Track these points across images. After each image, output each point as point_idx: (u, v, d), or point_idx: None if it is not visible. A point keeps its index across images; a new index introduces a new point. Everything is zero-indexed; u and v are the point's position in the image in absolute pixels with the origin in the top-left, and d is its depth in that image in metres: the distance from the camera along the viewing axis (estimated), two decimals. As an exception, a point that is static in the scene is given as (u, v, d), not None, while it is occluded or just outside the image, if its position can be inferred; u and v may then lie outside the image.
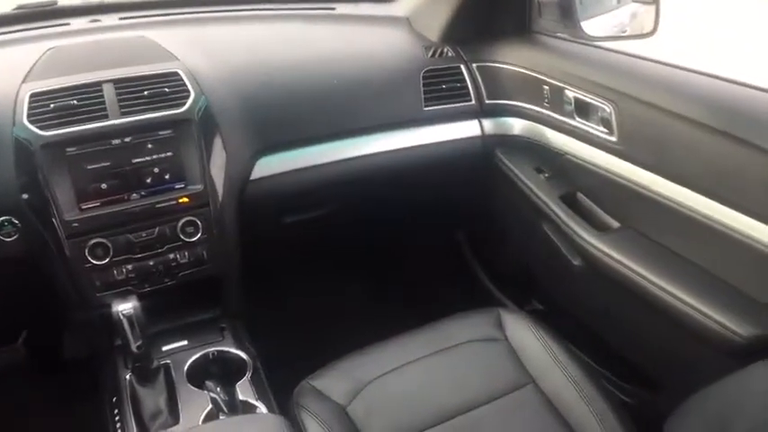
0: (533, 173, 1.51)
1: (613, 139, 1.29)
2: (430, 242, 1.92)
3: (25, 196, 1.16)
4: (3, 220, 1.14)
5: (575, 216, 1.39)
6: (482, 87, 1.56)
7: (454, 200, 1.70)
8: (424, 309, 1.41)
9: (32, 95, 1.18)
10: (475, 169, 1.59)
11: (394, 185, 1.55)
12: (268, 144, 1.38)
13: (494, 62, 1.56)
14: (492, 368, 1.19)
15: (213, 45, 1.44)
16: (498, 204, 1.66)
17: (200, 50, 1.38)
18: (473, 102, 1.56)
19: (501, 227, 1.75)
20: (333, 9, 1.76)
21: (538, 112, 1.49)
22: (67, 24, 1.52)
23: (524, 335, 1.24)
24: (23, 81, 1.22)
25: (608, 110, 1.29)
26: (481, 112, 1.57)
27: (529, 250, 1.64)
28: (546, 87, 1.45)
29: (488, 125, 1.58)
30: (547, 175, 1.50)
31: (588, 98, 1.34)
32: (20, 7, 1.56)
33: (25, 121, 1.15)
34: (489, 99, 1.57)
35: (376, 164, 1.48)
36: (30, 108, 1.16)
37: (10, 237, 1.15)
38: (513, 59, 1.52)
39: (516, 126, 1.56)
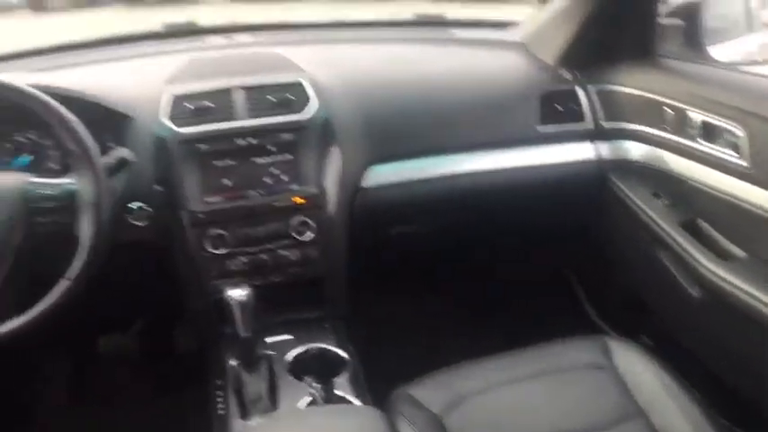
0: (651, 198, 1.45)
1: (744, 163, 1.21)
2: (533, 264, 1.87)
3: (158, 186, 1.27)
4: (137, 207, 1.25)
5: (696, 243, 1.31)
6: (598, 110, 1.54)
7: (562, 223, 1.66)
8: (524, 331, 1.37)
9: (173, 97, 1.30)
10: (586, 193, 1.55)
11: (502, 204, 1.54)
12: (382, 154, 1.42)
13: (612, 85, 1.53)
14: (597, 397, 1.13)
15: (336, 61, 1.53)
16: (609, 230, 1.60)
17: (324, 65, 1.47)
18: (589, 124, 1.53)
19: (611, 253, 1.68)
20: (451, 34, 1.81)
21: (658, 135, 1.44)
22: (205, 41, 1.68)
23: (634, 365, 1.17)
24: (166, 84, 1.34)
25: (738, 133, 1.22)
26: (597, 134, 1.54)
27: (641, 279, 1.56)
28: (668, 110, 1.39)
29: (604, 149, 1.54)
30: (665, 200, 1.43)
31: (715, 121, 1.27)
32: (167, 26, 1.75)
33: (165, 119, 1.27)
34: (606, 122, 1.53)
35: (486, 181, 1.49)
36: (170, 107, 1.28)
37: (141, 221, 1.25)
38: (632, 82, 1.49)
39: (634, 150, 1.50)
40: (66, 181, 1.11)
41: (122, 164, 1.18)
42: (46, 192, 1.09)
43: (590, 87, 1.56)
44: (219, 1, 10.91)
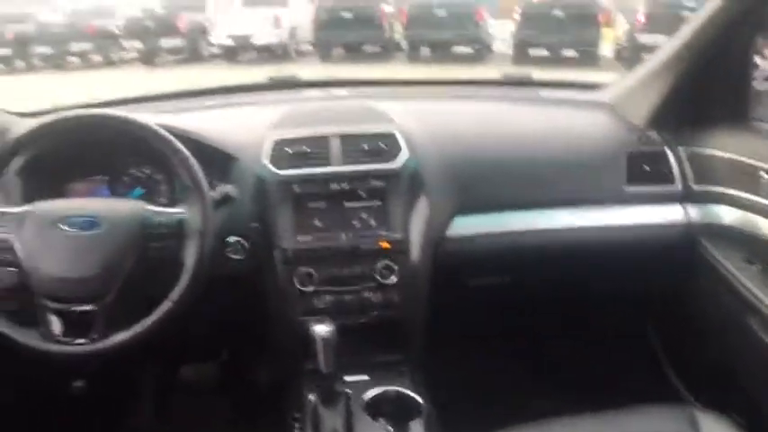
0: (744, 264, 1.39)
1: None
2: (613, 325, 1.82)
3: (255, 224, 1.35)
4: (234, 241, 1.33)
5: None
6: (688, 172, 1.51)
7: (648, 284, 1.62)
8: (598, 394, 1.33)
9: (274, 141, 1.40)
10: (675, 256, 1.51)
11: (587, 263, 1.53)
12: (468, 205, 1.46)
13: (703, 147, 1.51)
14: None
15: (427, 115, 1.60)
16: (698, 294, 1.54)
17: (415, 118, 1.54)
18: (678, 186, 1.51)
19: (699, 318, 1.61)
20: (538, 93, 1.86)
21: (752, 200, 1.40)
22: (305, 93, 1.81)
23: None
24: (269, 130, 1.45)
25: None
26: (686, 197, 1.51)
27: (731, 347, 1.48)
28: (764, 175, 1.36)
29: (694, 212, 1.51)
30: (759, 267, 1.38)
31: None
32: (270, 78, 1.90)
33: (266, 162, 1.36)
34: (696, 185, 1.51)
35: (571, 238, 1.49)
36: (271, 151, 1.38)
37: (236, 255, 1.34)
38: (725, 146, 1.46)
39: (726, 214, 1.46)
40: (177, 211, 1.21)
41: (226, 199, 1.28)
42: (160, 220, 1.19)
43: (680, 149, 1.54)
44: (313, 61, 11.54)
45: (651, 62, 1.60)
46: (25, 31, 12.84)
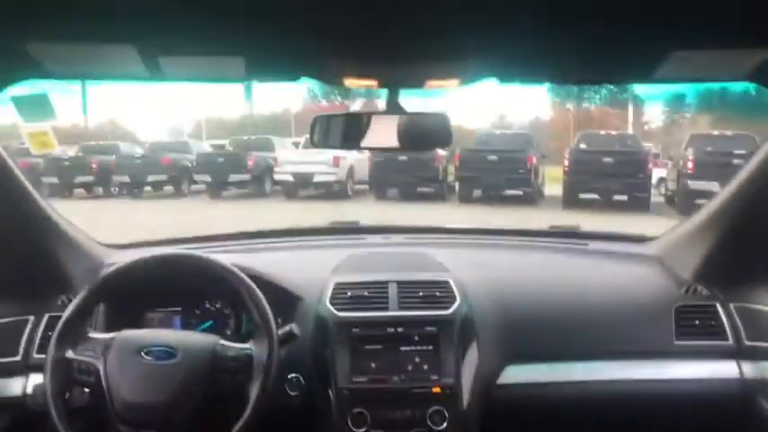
0: None
1: None
2: None
3: (314, 362, 1.43)
4: (293, 377, 1.41)
5: None
6: (740, 328, 1.53)
7: None
8: None
9: (336, 284, 1.51)
10: (728, 413, 1.49)
11: (634, 417, 1.52)
12: (519, 355, 1.51)
13: (755, 304, 1.53)
14: None
15: (479, 265, 1.70)
16: None
17: (467, 267, 1.64)
18: (730, 342, 1.52)
19: None
20: (586, 245, 1.94)
21: None
22: (365, 239, 1.94)
23: None
24: (331, 273, 1.57)
25: None
26: (739, 353, 1.51)
27: None
28: None
29: (749, 368, 1.50)
30: None
31: None
32: (333, 223, 2.06)
33: (328, 303, 1.47)
34: (750, 341, 1.51)
35: (619, 391, 1.49)
36: (333, 293, 1.49)
37: (293, 391, 1.40)
38: None
39: None
40: (246, 346, 1.31)
41: (290, 337, 1.37)
42: (230, 354, 1.29)
43: (731, 305, 1.56)
44: (369, 200, 11.99)
45: (699, 215, 1.65)
46: (108, 162, 14.05)
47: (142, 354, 1.26)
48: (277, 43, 0.93)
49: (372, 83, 1.10)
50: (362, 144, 1.30)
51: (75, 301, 1.31)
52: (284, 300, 1.49)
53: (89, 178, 14.16)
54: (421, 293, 1.49)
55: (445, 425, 1.36)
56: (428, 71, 1.07)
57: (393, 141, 1.29)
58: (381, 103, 1.28)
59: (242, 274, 1.35)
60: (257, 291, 1.33)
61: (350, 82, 1.09)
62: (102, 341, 1.29)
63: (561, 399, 1.49)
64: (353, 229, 2.03)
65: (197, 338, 1.34)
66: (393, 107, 1.22)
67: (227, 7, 0.81)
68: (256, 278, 1.40)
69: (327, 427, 1.38)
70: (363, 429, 1.36)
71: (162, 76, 1.03)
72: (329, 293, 1.49)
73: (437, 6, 0.82)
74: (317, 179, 12.49)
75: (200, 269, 1.38)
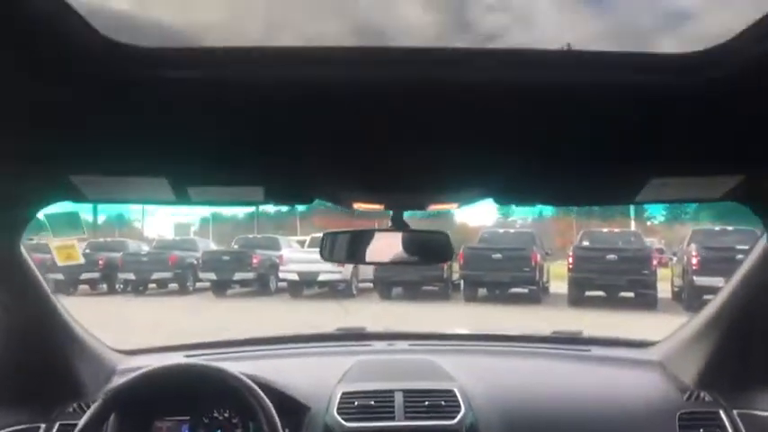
0: None
1: None
2: None
3: None
4: None
5: None
6: None
7: None
8: None
9: (343, 394, 1.55)
10: None
11: None
12: None
13: (759, 410, 1.53)
14: None
15: (483, 372, 1.73)
16: None
17: (471, 375, 1.67)
18: None
19: None
20: (588, 350, 1.97)
21: None
22: (371, 345, 1.98)
23: None
24: (338, 382, 1.61)
25: None
26: None
27: None
28: None
29: None
30: None
31: None
32: (339, 329, 2.11)
33: (335, 413, 1.49)
34: None
35: None
36: (340, 403, 1.52)
37: None
38: None
39: None
40: None
41: None
42: None
43: (734, 412, 1.57)
44: (373, 298, 11.94)
45: (698, 318, 1.68)
46: (115, 259, 14.18)
47: None
48: (292, 174, 1.03)
49: (378, 207, 1.21)
50: (367, 260, 1.39)
51: (90, 412, 1.35)
52: (292, 409, 1.52)
53: (95, 275, 14.25)
54: (427, 403, 1.52)
55: None
56: (429, 197, 1.17)
57: (396, 257, 1.38)
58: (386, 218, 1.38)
59: (251, 384, 1.39)
60: (267, 401, 1.37)
61: (358, 205, 1.19)
62: None
63: None
64: (359, 336, 2.08)
65: None
66: (397, 224, 1.31)
67: (249, 144, 0.91)
68: (265, 387, 1.44)
69: None
70: None
71: (189, 202, 1.13)
72: (336, 403, 1.52)
73: (435, 141, 0.92)
74: (321, 278, 12.55)
75: (210, 379, 1.42)
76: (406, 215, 1.30)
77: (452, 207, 1.21)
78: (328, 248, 1.42)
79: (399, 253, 1.37)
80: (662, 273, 12.31)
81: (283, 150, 0.93)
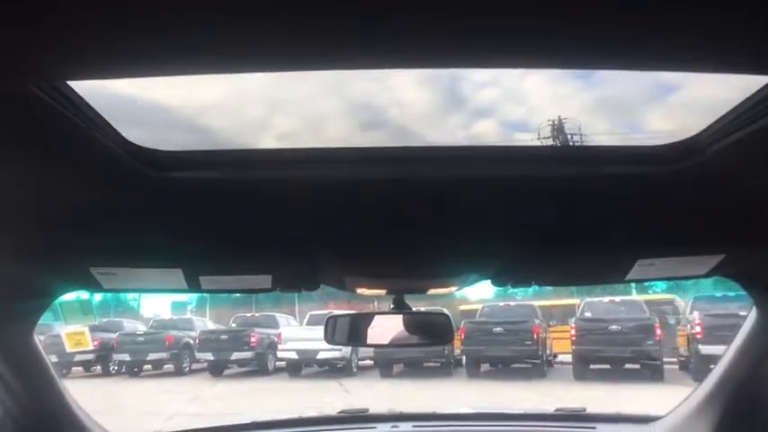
0: None
1: None
2: None
3: None
4: None
5: None
6: None
7: None
8: None
9: None
10: None
11: None
12: None
13: None
14: None
15: None
16: None
17: None
18: None
19: None
20: (593, 428, 1.94)
21: None
22: (375, 428, 1.96)
23: None
24: None
25: None
26: None
27: None
28: None
29: None
30: None
31: None
32: (342, 412, 2.09)
33: None
34: None
35: None
36: None
37: None
38: None
39: None
40: None
41: None
42: None
43: None
44: (374, 375, 11.68)
45: (700, 391, 1.67)
46: (110, 340, 13.94)
47: None
48: (299, 264, 1.08)
49: (381, 291, 1.25)
50: (369, 342, 1.41)
51: None
52: None
53: (89, 356, 13.97)
54: None
55: None
56: (429, 282, 1.21)
57: (397, 339, 1.40)
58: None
59: None
60: None
61: (361, 291, 1.23)
62: None
63: None
64: (363, 418, 2.05)
65: None
66: (399, 305, 1.35)
67: (259, 237, 0.96)
68: None
69: None
70: None
71: (200, 290, 1.17)
72: None
73: (433, 232, 0.97)
74: (321, 356, 12.34)
75: None
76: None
77: (452, 290, 1.25)
78: (331, 332, 1.45)
79: (400, 334, 1.39)
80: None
81: (291, 243, 0.98)
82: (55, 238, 0.96)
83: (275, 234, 0.95)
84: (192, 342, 13.95)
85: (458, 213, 0.89)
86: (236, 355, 13.03)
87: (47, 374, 1.49)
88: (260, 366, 13.19)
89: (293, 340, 12.70)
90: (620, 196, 0.87)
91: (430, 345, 1.36)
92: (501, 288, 1.23)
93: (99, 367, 14.19)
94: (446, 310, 1.46)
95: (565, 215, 0.90)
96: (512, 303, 13.77)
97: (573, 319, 12.15)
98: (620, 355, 11.02)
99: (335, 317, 1.43)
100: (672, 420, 1.81)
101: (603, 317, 11.77)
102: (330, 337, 1.43)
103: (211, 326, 15.91)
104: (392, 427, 1.95)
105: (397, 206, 0.86)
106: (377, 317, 1.39)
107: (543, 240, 0.98)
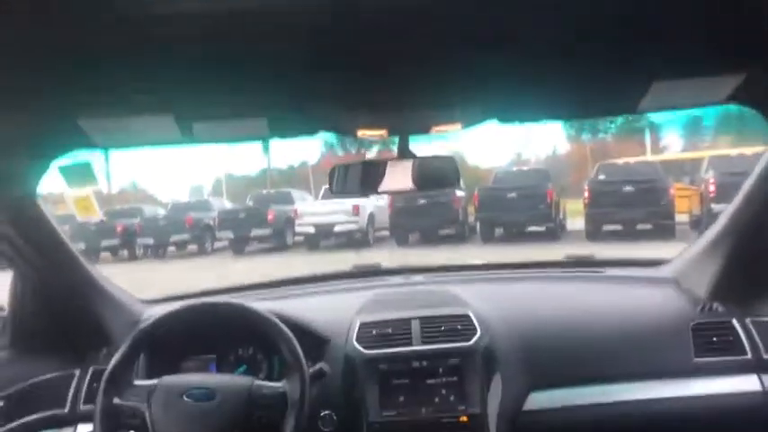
0: None
1: None
2: None
3: (345, 398, 1.49)
4: (325, 414, 1.47)
5: None
6: (759, 342, 1.55)
7: None
8: None
9: (361, 324, 1.58)
10: (752, 427, 1.50)
11: None
12: (542, 381, 1.55)
13: None
14: None
15: (498, 297, 1.75)
16: None
17: (487, 301, 1.70)
18: (749, 356, 1.54)
19: None
20: (601, 272, 1.98)
21: None
22: (387, 280, 2.02)
23: None
24: (356, 314, 1.64)
25: None
26: (760, 366, 1.53)
27: None
28: None
29: None
30: None
31: None
32: (355, 267, 2.14)
33: (354, 342, 1.54)
34: None
35: (642, 410, 1.52)
36: (358, 333, 1.56)
37: (327, 427, 1.46)
38: None
39: None
40: (279, 385, 1.38)
41: (320, 375, 1.44)
42: (265, 392, 1.36)
43: (747, 320, 1.59)
44: (391, 246, 12.00)
45: (709, 233, 1.69)
46: (133, 225, 14.40)
47: (184, 397, 1.33)
48: (295, 103, 1.03)
49: (382, 132, 1.20)
50: (379, 189, 1.39)
51: (120, 352, 1.40)
52: (313, 342, 1.56)
53: (114, 242, 14.49)
54: (443, 327, 1.55)
55: None
56: (431, 117, 1.16)
57: (407, 184, 1.38)
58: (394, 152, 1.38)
59: (273, 318, 1.43)
60: (288, 331, 1.41)
61: (362, 132, 1.19)
62: (146, 387, 1.37)
63: (586, 421, 1.52)
64: (376, 272, 2.11)
65: (234, 380, 1.41)
66: (404, 152, 1.32)
67: (251, 74, 0.92)
68: (286, 322, 1.48)
69: None
70: None
71: (195, 139, 1.15)
72: (355, 333, 1.56)
73: (433, 58, 0.92)
74: (337, 229, 12.64)
75: (233, 315, 1.46)
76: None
77: (456, 127, 1.20)
78: (339, 181, 1.42)
79: (409, 180, 1.37)
80: (679, 203, 12.16)
81: (285, 79, 0.93)
82: (39, 90, 0.92)
83: (267, 70, 0.90)
84: (211, 223, 14.31)
85: (458, 36, 0.83)
86: (255, 232, 13.38)
87: (58, 241, 1.52)
88: (279, 242, 13.59)
89: (309, 215, 12.96)
90: (637, 5, 0.80)
91: (439, 188, 1.35)
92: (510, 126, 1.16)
93: (126, 252, 14.74)
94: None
95: (574, 29, 0.84)
96: (525, 168, 13.73)
97: (586, 182, 12.15)
98: (632, 215, 11.12)
99: (345, 165, 1.41)
100: (681, 261, 1.83)
101: (617, 179, 11.76)
102: (341, 186, 1.41)
103: (229, 206, 16.23)
104: (404, 278, 2.00)
105: (394, 32, 0.80)
106: (388, 163, 1.36)
107: (549, 60, 0.92)
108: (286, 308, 1.62)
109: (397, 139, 1.29)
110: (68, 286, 1.60)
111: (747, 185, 1.52)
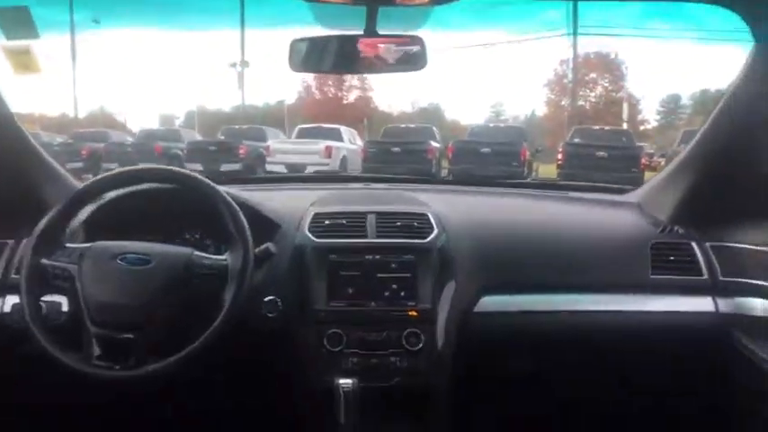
0: None
1: None
2: (641, 415, 1.74)
3: (292, 285, 1.43)
4: (270, 299, 1.41)
5: None
6: (716, 264, 1.54)
7: (676, 375, 1.59)
8: None
9: (315, 214, 1.52)
10: (703, 346, 1.51)
11: (609, 349, 1.53)
12: (495, 285, 1.52)
13: (730, 242, 1.54)
14: None
15: (459, 203, 1.71)
16: (731, 388, 1.50)
17: (447, 205, 1.65)
18: (705, 277, 1.53)
19: (736, 412, 1.55)
20: (566, 194, 1.95)
21: None
22: (349, 185, 1.95)
23: None
24: (311, 204, 1.58)
25: None
26: (715, 289, 1.53)
27: None
28: None
29: (724, 304, 1.51)
30: None
31: None
32: (318, 172, 2.07)
33: (306, 231, 1.47)
34: (725, 277, 1.52)
35: (594, 322, 1.50)
36: (311, 222, 1.49)
37: (271, 313, 1.41)
38: (754, 239, 1.50)
39: (759, 306, 1.47)
40: (221, 257, 1.32)
41: (267, 254, 1.37)
42: (205, 262, 1.30)
43: (706, 243, 1.58)
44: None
45: (676, 161, 1.67)
46: (98, 149, 13.98)
47: (117, 260, 1.26)
48: None
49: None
50: (340, 67, 1.31)
51: (55, 209, 1.32)
52: (264, 227, 1.49)
53: (79, 164, 14.06)
54: (399, 223, 1.49)
55: (421, 345, 1.37)
56: None
57: (368, 64, 1.30)
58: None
59: (223, 192, 1.35)
60: (235, 205, 1.34)
61: None
62: (78, 249, 1.30)
63: (536, 328, 1.50)
64: (339, 178, 2.05)
65: (172, 248, 1.34)
66: (370, 30, 1.23)
67: None
68: (241, 204, 1.40)
69: (303, 348, 1.39)
70: (338, 349, 1.36)
71: None
72: (308, 222, 1.50)
73: None
74: (309, 170, 12.49)
75: (181, 182, 1.38)
76: None
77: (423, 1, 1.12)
78: (297, 57, 1.33)
79: (372, 59, 1.29)
80: (649, 175, 12.31)
81: None
82: None
83: None
84: (180, 153, 13.98)
85: None
86: (225, 167, 13.10)
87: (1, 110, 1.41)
88: (249, 178, 13.38)
89: (281, 153, 12.75)
90: None
91: (403, 70, 1.27)
92: None
93: (90, 176, 14.32)
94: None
95: None
96: (501, 125, 13.69)
97: (561, 144, 12.19)
98: (603, 180, 11.20)
99: (302, 39, 1.31)
100: (647, 188, 1.81)
101: (591, 143, 11.80)
102: (297, 63, 1.32)
103: (200, 138, 15.86)
104: (365, 185, 1.94)
105: None
106: (348, 39, 1.27)
107: None
108: (244, 194, 1.55)
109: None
110: (7, 152, 1.49)
111: (716, 113, 1.48)
